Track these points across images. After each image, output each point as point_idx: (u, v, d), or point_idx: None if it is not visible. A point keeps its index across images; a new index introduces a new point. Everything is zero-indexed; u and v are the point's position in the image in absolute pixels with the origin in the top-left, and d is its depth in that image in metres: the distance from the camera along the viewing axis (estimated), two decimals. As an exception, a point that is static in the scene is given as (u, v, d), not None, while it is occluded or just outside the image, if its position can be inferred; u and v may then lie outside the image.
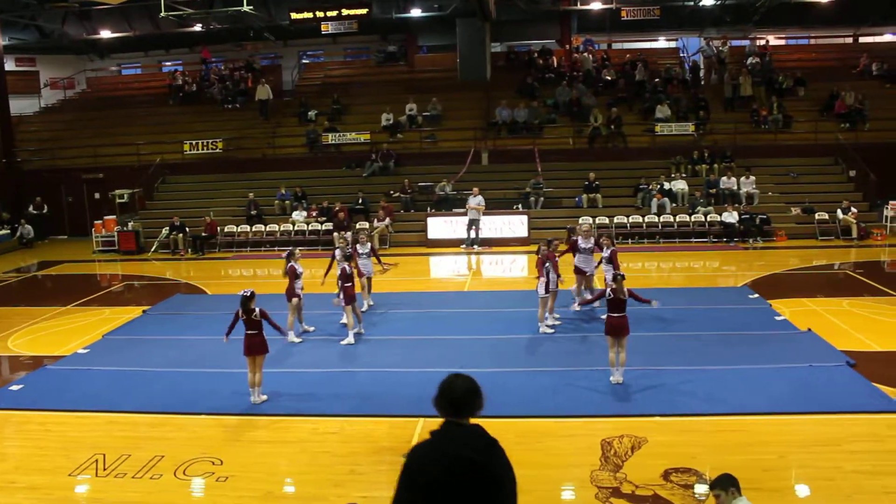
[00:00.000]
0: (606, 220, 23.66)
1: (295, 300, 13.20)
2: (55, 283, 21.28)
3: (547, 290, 13.16)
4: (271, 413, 9.94)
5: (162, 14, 25.49)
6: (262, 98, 30.79)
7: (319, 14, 27.89)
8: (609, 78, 30.75)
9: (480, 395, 4.05)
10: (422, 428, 9.21)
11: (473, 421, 3.95)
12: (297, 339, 13.20)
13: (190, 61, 37.00)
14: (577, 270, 14.83)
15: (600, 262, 14.40)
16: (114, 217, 25.95)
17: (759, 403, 9.64)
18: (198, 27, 31.14)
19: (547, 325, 13.41)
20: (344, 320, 13.46)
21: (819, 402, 9.65)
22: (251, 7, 25.58)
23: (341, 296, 12.85)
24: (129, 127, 31.35)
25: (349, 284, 12.87)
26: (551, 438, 8.99)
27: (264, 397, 10.31)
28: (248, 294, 10.30)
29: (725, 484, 5.75)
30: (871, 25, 33.81)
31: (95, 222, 26.02)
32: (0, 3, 28.38)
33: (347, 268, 13.00)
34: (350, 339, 12.95)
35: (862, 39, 35.10)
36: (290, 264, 13.28)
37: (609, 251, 13.93)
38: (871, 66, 30.22)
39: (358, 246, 14.87)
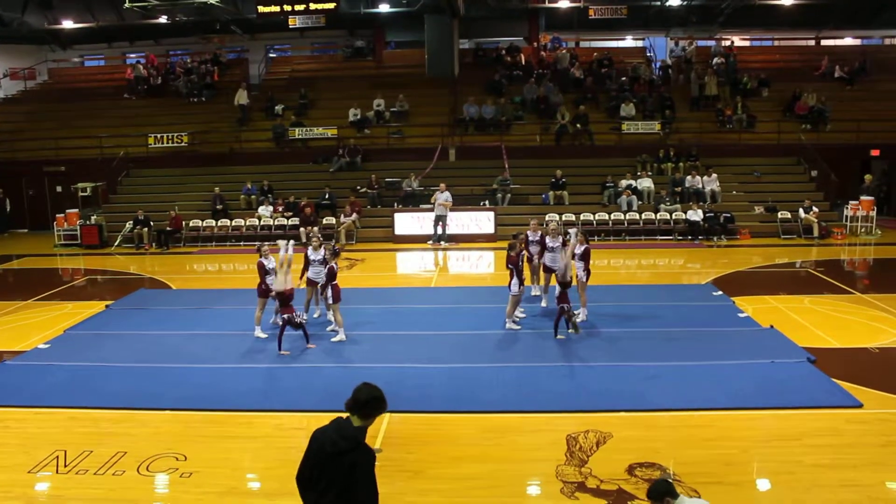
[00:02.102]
0: (573, 217, 23.79)
1: (261, 300, 13.06)
2: (16, 277, 20.90)
3: (519, 287, 13.20)
4: (236, 409, 9.87)
5: (126, 5, 25.10)
6: (241, 103, 30.19)
7: (287, 8, 27.57)
8: (578, 75, 30.90)
9: (377, 404, 5.01)
10: (387, 423, 9.21)
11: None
12: (263, 335, 13.08)
13: (155, 53, 36.47)
14: (546, 269, 14.89)
15: (573, 258, 14.33)
16: (76, 211, 25.55)
17: (722, 399, 9.77)
18: (163, 19, 30.68)
19: (513, 322, 13.45)
20: (330, 317, 13.35)
21: (780, 397, 9.80)
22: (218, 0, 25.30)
23: (329, 294, 12.78)
24: (92, 119, 30.85)
25: (335, 283, 12.80)
26: (516, 433, 9.03)
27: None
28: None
29: (660, 494, 5.14)
30: (832, 28, 34.40)
31: (57, 216, 25.58)
32: (-43, -9, 27.78)
33: (335, 265, 12.92)
34: (341, 335, 12.81)
35: (823, 42, 35.68)
36: (259, 260, 13.15)
37: (583, 248, 13.91)
38: (833, 69, 30.73)
39: (310, 251, 13.82)
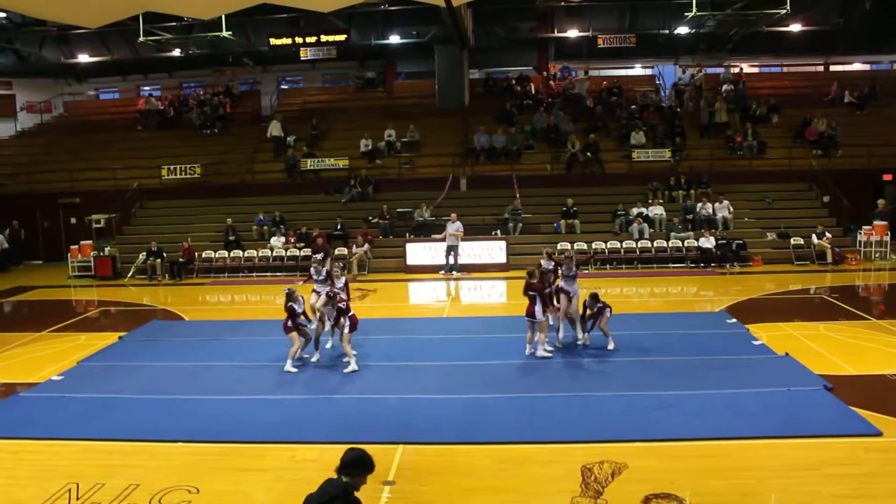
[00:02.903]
0: (584, 246, 23.76)
1: (293, 333, 12.97)
2: (30, 309, 21.00)
3: (543, 314, 13.19)
4: (248, 440, 9.83)
5: (140, 39, 25.51)
6: (275, 134, 30.31)
7: (298, 40, 28.02)
8: (589, 104, 31.05)
9: (362, 464, 5.39)
10: (401, 455, 9.15)
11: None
12: (293, 369, 12.88)
13: (168, 86, 36.93)
14: (561, 290, 14.84)
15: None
16: (90, 242, 25.72)
17: (737, 428, 9.66)
18: (176, 52, 31.13)
19: (545, 350, 13.38)
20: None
21: (798, 426, 9.69)
22: (230, 33, 25.64)
23: (347, 324, 12.73)
24: (106, 151, 31.20)
25: (352, 313, 12.81)
26: (531, 464, 8.94)
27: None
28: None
29: None
30: (840, 54, 34.49)
31: (71, 247, 25.74)
32: (-24, 28, 28.32)
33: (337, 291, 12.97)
34: (353, 366, 12.72)
35: (832, 68, 35.78)
36: (289, 304, 12.96)
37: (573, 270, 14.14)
38: (842, 94, 30.76)
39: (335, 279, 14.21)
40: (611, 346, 13.65)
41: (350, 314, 12.76)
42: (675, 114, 30.24)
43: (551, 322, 13.78)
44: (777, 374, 11.88)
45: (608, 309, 13.83)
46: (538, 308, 13.05)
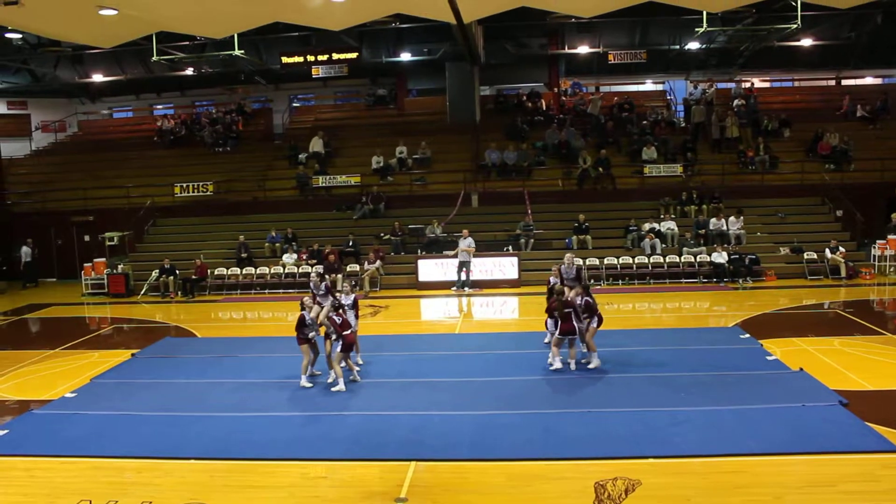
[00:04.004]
0: (597, 262, 23.73)
1: (304, 346, 12.95)
2: (43, 326, 21.10)
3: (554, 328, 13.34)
4: (260, 457, 9.81)
5: (153, 58, 25.70)
6: (316, 150, 30.29)
7: (310, 58, 28.15)
8: (587, 109, 31.12)
9: None
10: (413, 472, 9.12)
11: None
12: (308, 385, 12.89)
13: (181, 104, 37.22)
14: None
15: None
16: (104, 260, 25.87)
17: (752, 444, 9.58)
18: (189, 71, 31.37)
19: (560, 361, 13.42)
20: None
21: (813, 442, 9.60)
22: (242, 51, 25.83)
23: (339, 344, 12.64)
24: (119, 170, 31.45)
25: (348, 332, 12.77)
26: (544, 481, 8.89)
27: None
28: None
29: None
30: (852, 68, 34.43)
31: (85, 265, 25.96)
32: (-6, 48, 28.63)
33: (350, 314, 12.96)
34: (341, 386, 12.62)
35: (844, 82, 35.70)
36: (300, 313, 12.97)
37: (583, 300, 13.87)
38: (854, 108, 30.68)
39: (342, 297, 14.05)
40: (592, 365, 13.38)
41: (346, 332, 12.63)
42: (690, 130, 30.20)
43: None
44: (791, 389, 11.79)
45: (596, 319, 13.58)
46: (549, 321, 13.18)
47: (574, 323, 13.25)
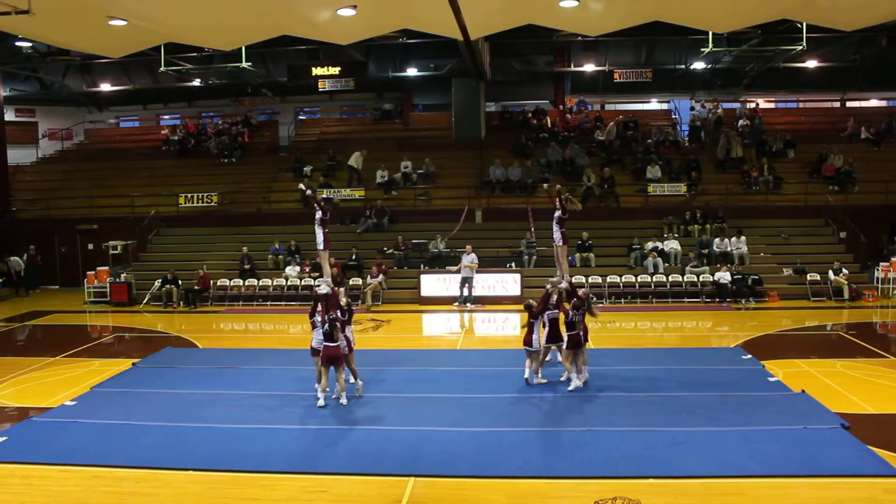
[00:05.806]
0: (599, 280, 23.70)
1: (316, 358, 12.76)
2: (44, 334, 21.10)
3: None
4: (260, 470, 9.78)
5: (161, 69, 25.86)
6: (352, 165, 29.69)
7: (319, 70, 28.28)
8: (603, 139, 31.07)
9: None
10: (412, 487, 9.08)
11: None
12: (321, 403, 12.52)
13: (188, 115, 37.37)
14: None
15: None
16: (107, 268, 25.90)
17: (753, 466, 9.53)
18: (196, 82, 31.55)
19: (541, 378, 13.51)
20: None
21: (814, 465, 9.55)
22: (250, 63, 25.96)
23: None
24: (124, 179, 31.53)
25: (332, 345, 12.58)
26: (543, 500, 8.85)
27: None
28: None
29: None
30: (857, 90, 34.52)
31: (88, 273, 25.97)
32: (3, 56, 28.81)
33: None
34: (321, 402, 12.41)
35: (849, 104, 35.78)
36: (312, 319, 12.87)
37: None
38: (859, 130, 30.72)
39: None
40: (571, 387, 13.19)
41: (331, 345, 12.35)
42: (693, 149, 30.22)
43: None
44: (793, 411, 11.75)
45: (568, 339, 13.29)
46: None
47: (560, 331, 13.25)
